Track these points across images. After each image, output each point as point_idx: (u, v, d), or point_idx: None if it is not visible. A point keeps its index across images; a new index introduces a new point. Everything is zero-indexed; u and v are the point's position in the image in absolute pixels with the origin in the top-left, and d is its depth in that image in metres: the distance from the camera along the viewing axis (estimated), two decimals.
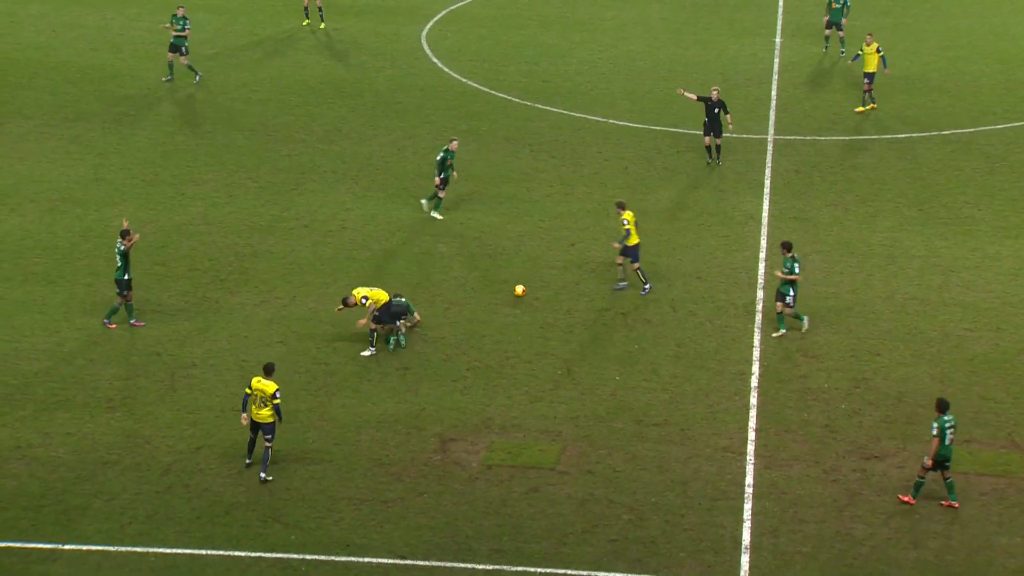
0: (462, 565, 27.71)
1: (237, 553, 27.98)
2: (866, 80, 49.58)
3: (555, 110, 50.24)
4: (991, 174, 45.34)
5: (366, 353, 34.71)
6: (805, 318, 35.79)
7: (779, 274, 35.46)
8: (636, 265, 37.59)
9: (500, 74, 53.58)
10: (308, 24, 58.62)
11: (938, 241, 40.79)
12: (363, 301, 34.70)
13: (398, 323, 35.07)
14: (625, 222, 37.41)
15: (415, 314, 35.61)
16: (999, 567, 27.86)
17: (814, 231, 41.33)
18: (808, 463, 30.82)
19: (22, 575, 27.33)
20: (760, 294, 37.55)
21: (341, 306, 35.13)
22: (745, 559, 27.93)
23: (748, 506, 29.43)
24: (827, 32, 55.15)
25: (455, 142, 41.93)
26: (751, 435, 31.80)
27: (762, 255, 39.68)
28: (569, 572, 27.62)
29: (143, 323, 35.93)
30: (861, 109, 49.81)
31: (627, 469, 30.58)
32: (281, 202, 42.97)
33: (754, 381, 33.89)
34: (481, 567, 27.67)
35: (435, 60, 55.01)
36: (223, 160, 45.94)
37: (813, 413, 32.67)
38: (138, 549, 28.01)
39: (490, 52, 56.01)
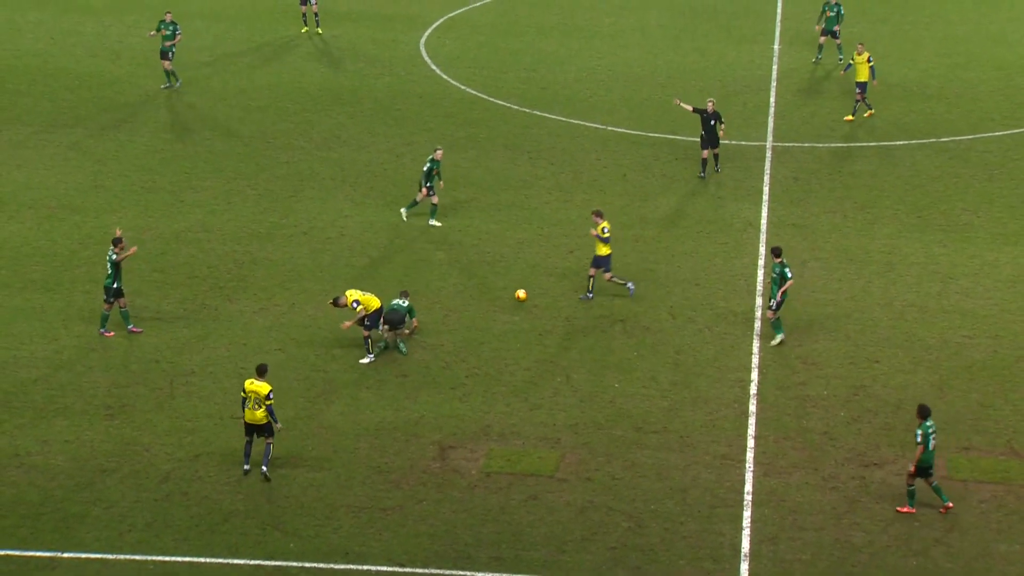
0: (461, 573, 27.69)
1: (236, 561, 27.95)
2: (858, 90, 49.59)
3: (553, 117, 50.27)
4: (989, 181, 45.36)
5: (364, 361, 34.70)
6: (779, 335, 35.54)
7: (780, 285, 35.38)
8: (604, 274, 37.51)
9: (499, 81, 53.61)
10: (306, 31, 58.67)
11: (937, 248, 40.80)
12: (354, 305, 34.65)
13: (396, 331, 35.06)
14: (606, 230, 37.40)
15: (413, 320, 35.56)
16: (998, 574, 27.84)
17: (813, 238, 41.34)
18: (807, 470, 30.81)
19: None
20: (759, 301, 37.56)
21: (336, 308, 35.11)
22: (744, 566, 27.91)
23: (747, 513, 29.42)
24: (821, 40, 55.15)
25: (440, 151, 41.94)
26: (750, 442, 31.79)
27: (761, 262, 39.69)
28: None
29: (141, 329, 35.92)
30: (850, 118, 49.81)
31: (626, 476, 30.57)
32: (280, 209, 42.97)
33: (753, 388, 33.88)
34: (480, 575, 27.64)
35: (434, 67, 55.05)
36: (222, 167, 45.95)
37: (812, 420, 32.66)
38: (137, 557, 27.98)
39: (489, 59, 56.05)
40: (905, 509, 29.36)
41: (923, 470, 29.13)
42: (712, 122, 44.53)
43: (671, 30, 59.64)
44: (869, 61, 49.18)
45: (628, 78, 54.03)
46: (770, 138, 48.58)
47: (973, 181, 45.32)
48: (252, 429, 30.34)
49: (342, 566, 27.81)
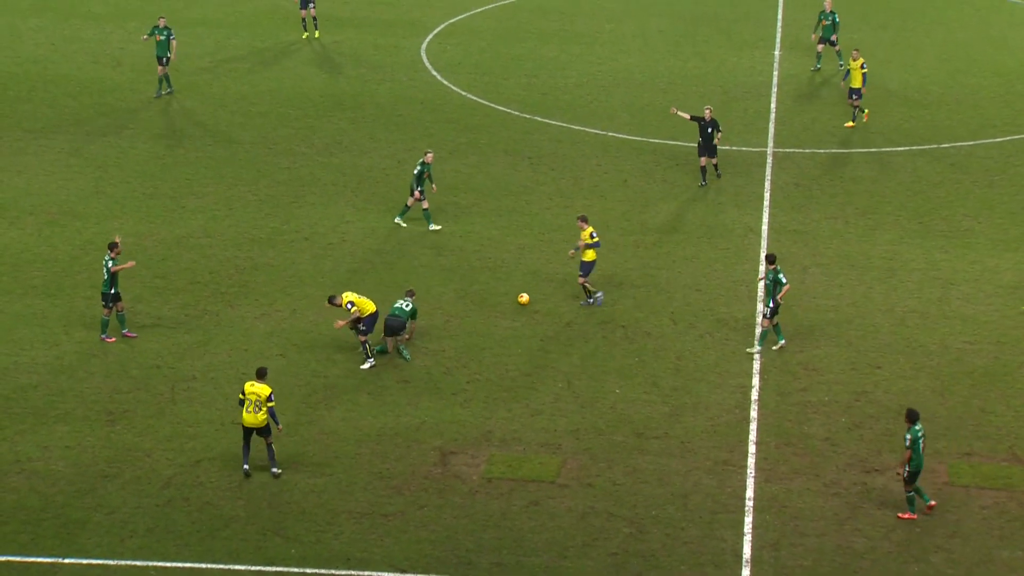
0: None
1: (237, 567, 27.94)
2: (854, 96, 49.56)
3: (554, 123, 50.28)
4: (990, 187, 45.36)
5: (365, 366, 34.70)
6: (759, 346, 35.46)
7: (774, 290, 35.33)
8: (582, 280, 37.51)
9: (499, 87, 53.63)
10: (307, 36, 58.72)
11: (938, 254, 40.80)
12: (348, 306, 34.66)
13: (396, 337, 35.07)
14: (593, 235, 37.41)
15: (412, 321, 35.43)
16: None
17: (814, 244, 41.35)
18: (809, 476, 30.80)
19: None
20: (760, 307, 37.53)
21: (330, 306, 35.13)
22: (746, 572, 27.89)
23: (749, 519, 29.40)
24: (819, 49, 55.16)
25: (430, 154, 41.97)
26: (751, 448, 31.78)
27: (762, 268, 39.65)
28: None
29: (136, 334, 35.90)
30: (851, 124, 49.81)
31: (627, 482, 30.56)
32: (281, 215, 42.98)
33: (754, 394, 33.87)
34: None
35: (435, 73, 55.07)
36: (223, 173, 45.97)
37: (813, 426, 32.65)
38: (138, 563, 27.97)
39: (489, 65, 56.07)
40: (906, 515, 29.35)
41: (914, 475, 29.14)
42: (709, 130, 44.49)
43: (672, 36, 59.67)
44: (863, 68, 49.13)
45: (629, 84, 54.05)
46: (771, 144, 48.58)
47: (974, 187, 45.33)
48: (249, 433, 30.37)
49: (343, 572, 27.80)
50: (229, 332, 36.35)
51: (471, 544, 28.60)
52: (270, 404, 30.30)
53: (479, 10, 63.04)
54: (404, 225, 42.06)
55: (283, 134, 49.08)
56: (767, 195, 44.57)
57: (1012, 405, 33.48)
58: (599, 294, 37.69)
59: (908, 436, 28.97)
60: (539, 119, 50.64)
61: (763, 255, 40.17)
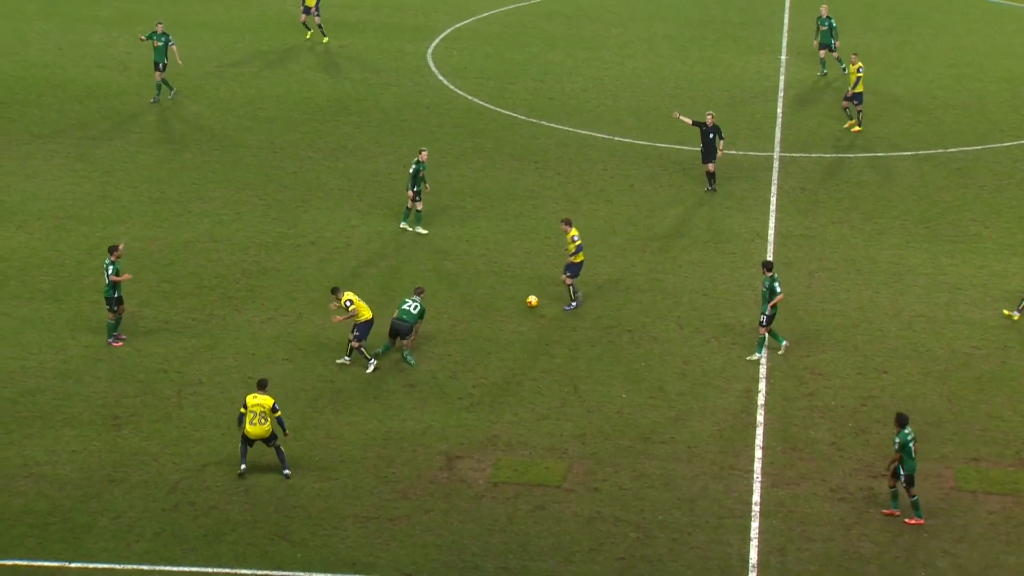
0: None
1: (243, 571, 27.95)
2: (855, 101, 49.48)
3: (561, 127, 50.28)
4: (998, 192, 45.32)
5: (369, 370, 34.70)
6: (759, 353, 35.43)
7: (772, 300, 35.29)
8: (571, 281, 37.52)
9: (506, 91, 53.64)
10: (310, 36, 58.75)
11: (945, 259, 40.77)
12: (347, 304, 34.70)
13: (404, 340, 35.08)
14: (576, 239, 37.43)
15: (419, 322, 35.38)
16: None
17: (820, 248, 41.32)
18: (815, 481, 30.77)
19: None
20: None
21: (332, 298, 35.16)
22: None
23: (755, 524, 29.38)
24: (821, 55, 55.09)
25: (424, 152, 42.00)
26: (758, 453, 31.76)
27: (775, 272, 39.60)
28: None
29: (125, 337, 35.80)
30: (858, 128, 49.77)
31: (634, 487, 30.54)
32: (287, 219, 43.01)
33: (761, 399, 33.85)
34: None
35: (441, 77, 55.08)
36: (229, 177, 45.99)
37: (820, 431, 32.62)
38: (144, 567, 27.98)
39: (496, 70, 56.08)
40: (913, 520, 29.32)
41: (909, 478, 29.14)
42: (711, 136, 44.41)
43: (678, 40, 59.66)
44: (859, 71, 48.98)
45: (635, 88, 54.04)
46: (777, 148, 48.56)
47: (981, 192, 45.29)
48: (252, 441, 30.42)
49: None
50: (235, 336, 36.37)
51: (477, 548, 28.58)
52: (277, 414, 30.38)
53: (485, 14, 63.05)
54: (410, 230, 42.07)
55: (289, 138, 49.11)
56: (773, 199, 44.55)
57: (1019, 410, 33.44)
58: (579, 293, 37.71)
59: (897, 440, 29.08)
60: (545, 123, 50.63)
61: (770, 260, 40.15)
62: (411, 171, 41.71)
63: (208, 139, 49.13)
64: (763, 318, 35.22)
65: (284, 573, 27.87)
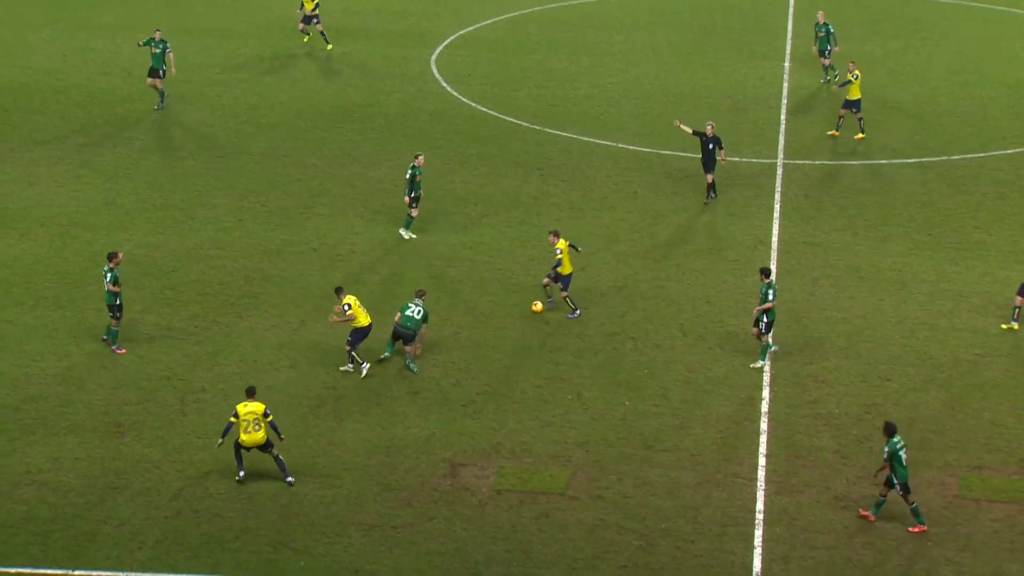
0: None
1: None
2: (854, 108, 49.40)
3: (564, 134, 50.30)
4: (1001, 199, 45.31)
5: (363, 375, 34.66)
6: (768, 353, 35.38)
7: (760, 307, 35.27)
8: (564, 293, 37.55)
9: (509, 98, 53.66)
10: (307, 41, 58.82)
11: (948, 266, 40.75)
12: (346, 308, 34.71)
13: (408, 346, 35.09)
14: (559, 251, 37.46)
15: (424, 326, 35.32)
16: None
17: (824, 256, 41.30)
18: (819, 489, 30.74)
19: None
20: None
21: (336, 298, 35.18)
22: None
23: (759, 532, 29.36)
24: (822, 61, 55.07)
25: (421, 157, 41.99)
26: (761, 461, 31.73)
27: (772, 280, 39.58)
28: None
29: (107, 339, 35.85)
30: (861, 135, 49.70)
31: (637, 495, 30.52)
32: (291, 226, 43.02)
33: (764, 406, 33.83)
34: None
35: (444, 84, 55.12)
36: (233, 184, 46.02)
37: (823, 439, 32.60)
38: (147, 575, 27.97)
39: (499, 76, 56.10)
40: (916, 528, 29.29)
41: (904, 486, 29.13)
42: (711, 146, 44.29)
43: (681, 48, 59.68)
44: (855, 78, 48.83)
45: (639, 96, 54.06)
46: (781, 155, 48.56)
47: (984, 199, 45.27)
48: (247, 449, 30.41)
49: None
50: (239, 343, 36.37)
51: (480, 556, 28.57)
52: (269, 419, 30.39)
53: (489, 21, 63.09)
54: (414, 237, 42.06)
55: (293, 145, 49.14)
56: (777, 207, 44.53)
57: (1023, 418, 33.39)
58: (551, 300, 37.75)
59: (886, 448, 29.11)
60: (549, 130, 50.65)
61: (773, 267, 40.16)
62: (408, 176, 41.70)
63: (211, 146, 49.16)
64: (761, 325, 35.20)
65: None
